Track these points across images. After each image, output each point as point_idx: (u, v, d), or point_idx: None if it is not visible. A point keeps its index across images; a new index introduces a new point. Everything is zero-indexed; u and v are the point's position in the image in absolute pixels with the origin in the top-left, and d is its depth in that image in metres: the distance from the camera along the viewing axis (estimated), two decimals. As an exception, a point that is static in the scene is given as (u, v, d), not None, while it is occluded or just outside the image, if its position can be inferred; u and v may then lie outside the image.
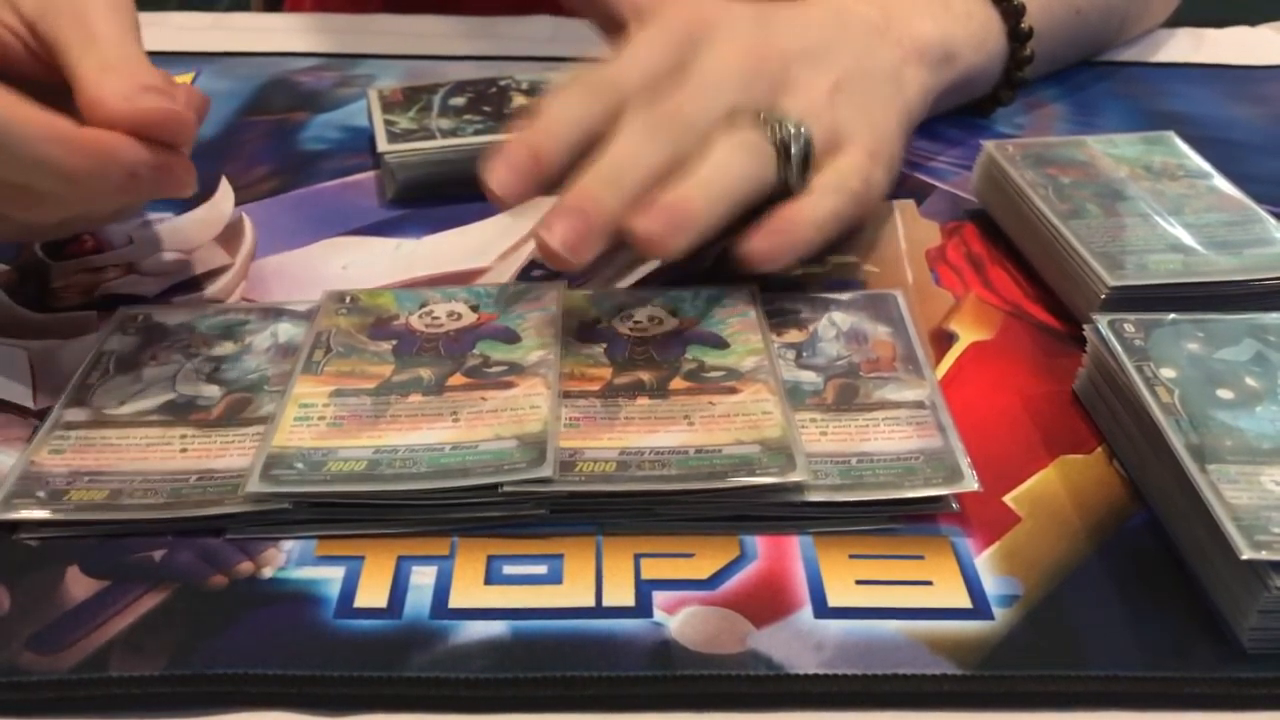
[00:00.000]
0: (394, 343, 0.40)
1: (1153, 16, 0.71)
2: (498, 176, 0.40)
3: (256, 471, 0.34)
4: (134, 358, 0.40)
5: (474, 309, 0.42)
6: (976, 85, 0.57)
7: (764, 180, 0.42)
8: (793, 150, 0.43)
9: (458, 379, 0.38)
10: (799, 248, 0.42)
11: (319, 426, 0.36)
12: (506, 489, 0.34)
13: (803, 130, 0.43)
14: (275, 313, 0.43)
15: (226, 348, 0.41)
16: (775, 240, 0.42)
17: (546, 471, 0.34)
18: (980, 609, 0.32)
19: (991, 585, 0.33)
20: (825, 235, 0.43)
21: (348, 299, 0.43)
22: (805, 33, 0.48)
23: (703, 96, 0.43)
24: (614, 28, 0.52)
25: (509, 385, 0.38)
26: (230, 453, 0.36)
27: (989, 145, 0.50)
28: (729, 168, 0.42)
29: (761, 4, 0.50)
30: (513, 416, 0.36)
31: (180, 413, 0.38)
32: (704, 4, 0.48)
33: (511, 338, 0.40)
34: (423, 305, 0.42)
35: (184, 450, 0.36)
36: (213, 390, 0.39)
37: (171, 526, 0.34)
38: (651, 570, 0.33)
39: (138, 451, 0.36)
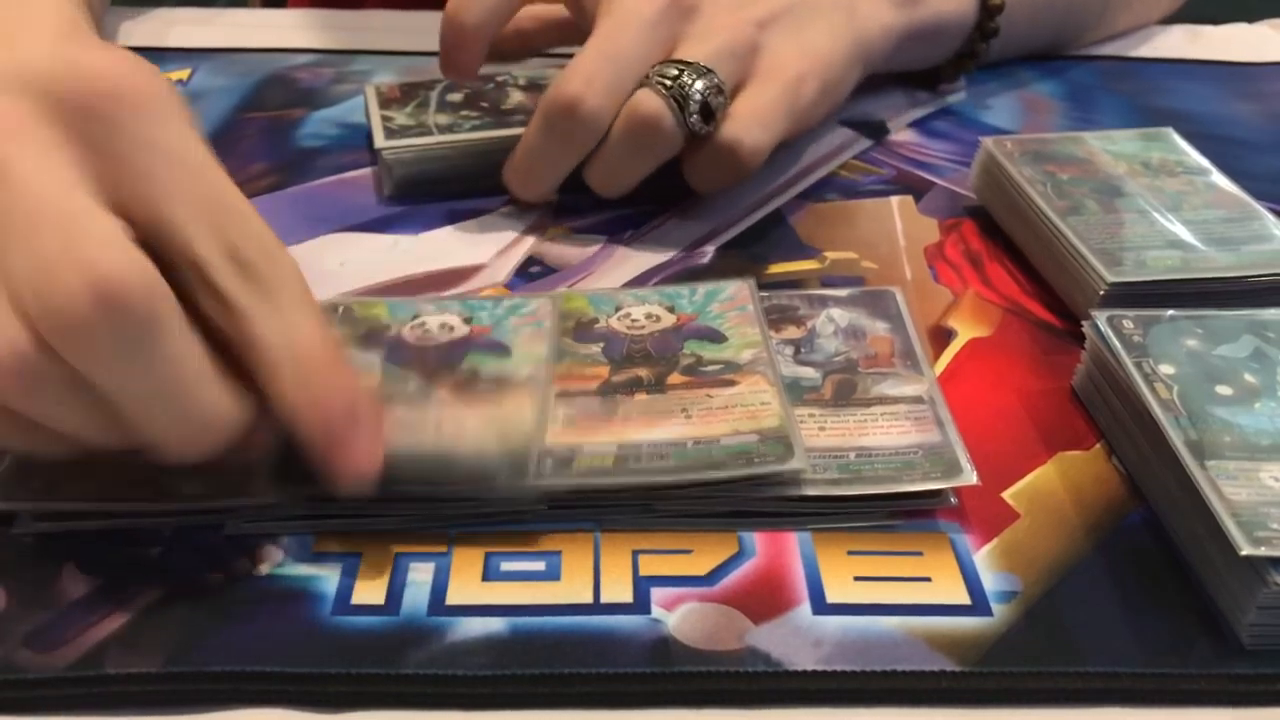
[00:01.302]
0: (382, 354, 0.40)
1: (1152, 10, 0.71)
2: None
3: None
4: None
5: (467, 321, 0.42)
6: (946, 37, 0.58)
7: (669, 140, 0.46)
8: (691, 101, 0.45)
9: (444, 392, 0.38)
10: (732, 178, 0.47)
11: None
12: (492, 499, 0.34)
13: (695, 79, 0.45)
14: None
15: None
16: (715, 170, 0.47)
17: (524, 483, 0.34)
18: (979, 605, 0.32)
19: (990, 582, 0.33)
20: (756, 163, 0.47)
21: (340, 310, 0.42)
22: None
23: (613, 63, 0.46)
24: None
25: (496, 400, 0.38)
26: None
27: (987, 142, 0.50)
28: (625, 148, 0.46)
29: None
30: (497, 430, 0.36)
31: None
32: None
33: (503, 351, 0.40)
34: (415, 316, 0.42)
35: None
36: None
37: (169, 523, 0.34)
38: (650, 567, 0.33)
39: None
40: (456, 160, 0.52)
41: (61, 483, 0.34)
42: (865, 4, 0.52)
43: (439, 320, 0.42)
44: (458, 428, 0.36)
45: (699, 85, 0.45)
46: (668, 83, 0.45)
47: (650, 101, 0.45)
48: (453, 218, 0.50)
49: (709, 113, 0.46)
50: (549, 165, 0.48)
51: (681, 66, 0.46)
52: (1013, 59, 0.65)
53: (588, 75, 0.45)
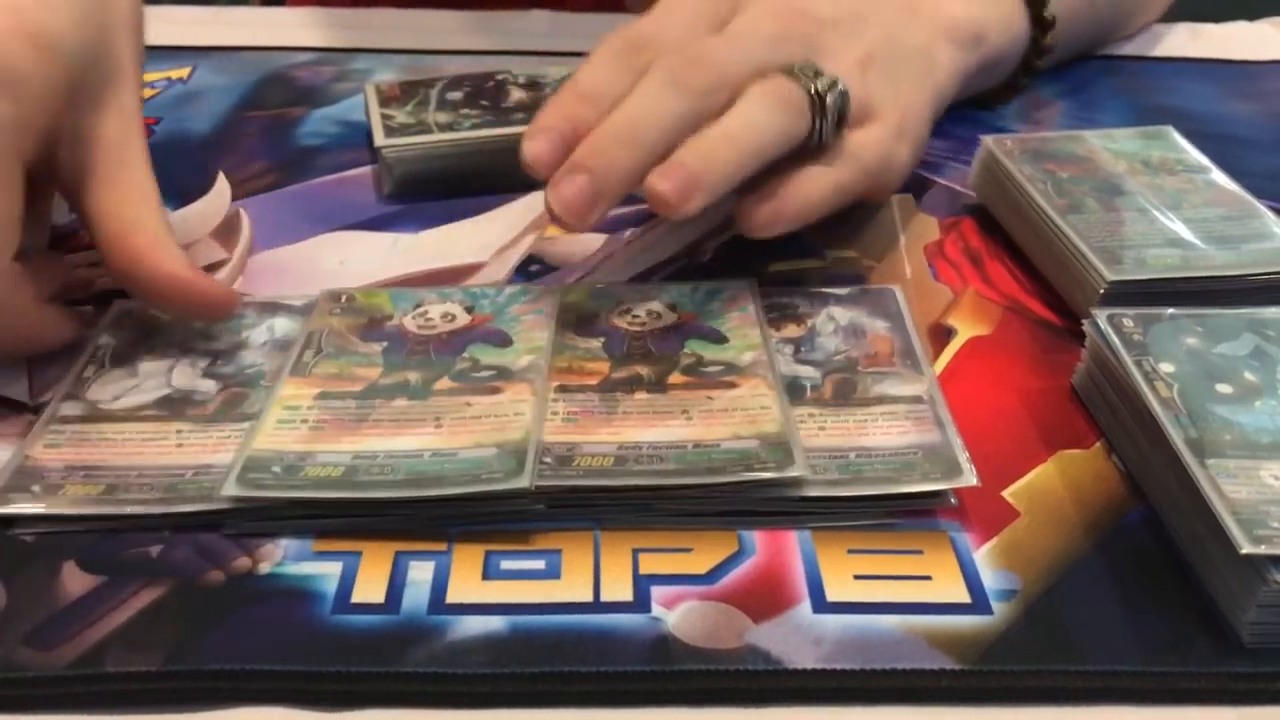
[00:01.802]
0: (384, 345, 0.40)
1: (1152, 11, 0.71)
2: (534, 148, 0.39)
3: (233, 474, 0.34)
4: (129, 352, 0.40)
5: (469, 310, 0.42)
6: (998, 70, 0.57)
7: (795, 134, 0.41)
8: (828, 100, 0.41)
9: (445, 383, 0.38)
10: (795, 218, 0.41)
11: (300, 430, 0.36)
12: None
13: (839, 83, 0.42)
14: (272, 308, 0.43)
15: (222, 342, 0.41)
16: (773, 207, 0.41)
17: (524, 483, 0.33)
18: (979, 604, 0.32)
19: (990, 580, 0.33)
20: (826, 207, 0.43)
21: (343, 298, 0.43)
22: (841, 3, 0.48)
23: (730, 49, 0.42)
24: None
25: (495, 390, 0.38)
26: (226, 448, 0.36)
27: (987, 140, 0.50)
28: (758, 119, 0.40)
29: None
30: (495, 424, 0.36)
31: (176, 407, 0.38)
32: None
33: (504, 340, 0.40)
34: (417, 306, 0.42)
35: (180, 445, 0.36)
36: (209, 385, 0.39)
37: (168, 521, 0.34)
38: (650, 565, 0.33)
39: (133, 446, 0.36)
40: (457, 159, 0.52)
41: (64, 486, 0.34)
42: (939, 49, 0.51)
43: (441, 309, 0.42)
44: (458, 425, 0.36)
45: (837, 90, 0.42)
46: (809, 74, 0.41)
47: (788, 85, 0.41)
48: (453, 216, 0.50)
49: (842, 120, 0.42)
50: (658, 119, 0.40)
51: (818, 70, 0.42)
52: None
53: (710, 45, 0.42)
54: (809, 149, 0.42)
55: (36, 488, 0.34)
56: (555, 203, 0.38)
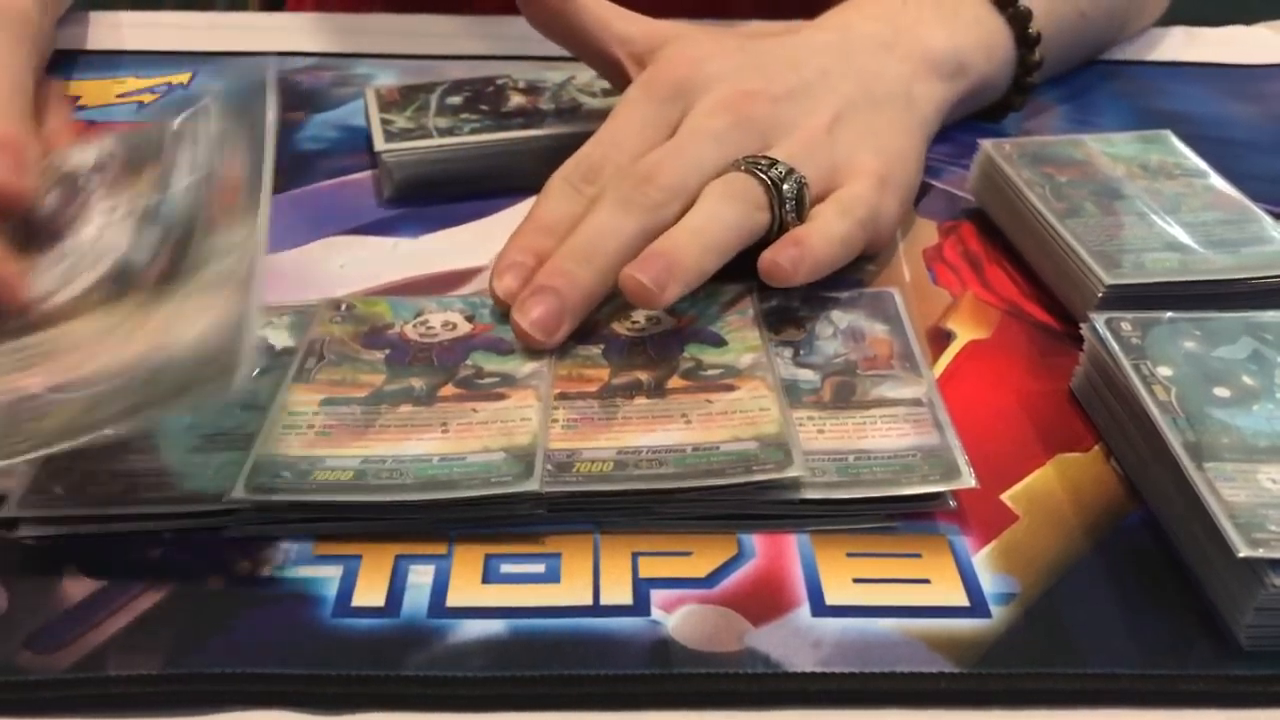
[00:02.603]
0: (387, 352, 0.40)
1: (1148, 15, 0.71)
2: (503, 284, 0.42)
3: (241, 479, 0.34)
4: (51, 228, 0.40)
5: (469, 319, 0.42)
6: (987, 94, 0.57)
7: (758, 223, 0.42)
8: (784, 188, 0.42)
9: (449, 389, 0.38)
10: (817, 265, 0.42)
11: (307, 435, 0.36)
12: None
13: (794, 172, 0.43)
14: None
15: (147, 179, 0.40)
16: (792, 254, 0.41)
17: (533, 485, 0.34)
18: (977, 607, 0.32)
19: (989, 583, 0.33)
20: (838, 256, 0.43)
21: (343, 306, 0.43)
22: (804, 65, 0.48)
23: (679, 159, 0.43)
24: (604, 64, 0.52)
25: (500, 397, 0.38)
26: None
27: (986, 144, 0.50)
28: (719, 214, 0.41)
29: (764, 35, 0.49)
30: (502, 429, 0.36)
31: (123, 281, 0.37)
32: (697, 46, 0.48)
33: (506, 348, 0.40)
34: (418, 314, 0.42)
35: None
36: (154, 234, 0.38)
37: (169, 524, 0.34)
38: (649, 569, 0.33)
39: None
40: (456, 162, 0.52)
41: (86, 487, 0.34)
42: (919, 85, 0.51)
43: (441, 318, 0.42)
44: (464, 430, 0.36)
45: (794, 177, 0.43)
46: (762, 167, 0.43)
47: (744, 180, 0.43)
48: (453, 221, 0.50)
49: (800, 206, 0.43)
50: (614, 237, 0.42)
51: (771, 160, 0.43)
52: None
53: (657, 160, 0.43)
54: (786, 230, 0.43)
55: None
56: (524, 322, 0.40)
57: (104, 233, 0.39)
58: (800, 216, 0.43)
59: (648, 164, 0.43)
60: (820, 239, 0.42)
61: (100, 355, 0.34)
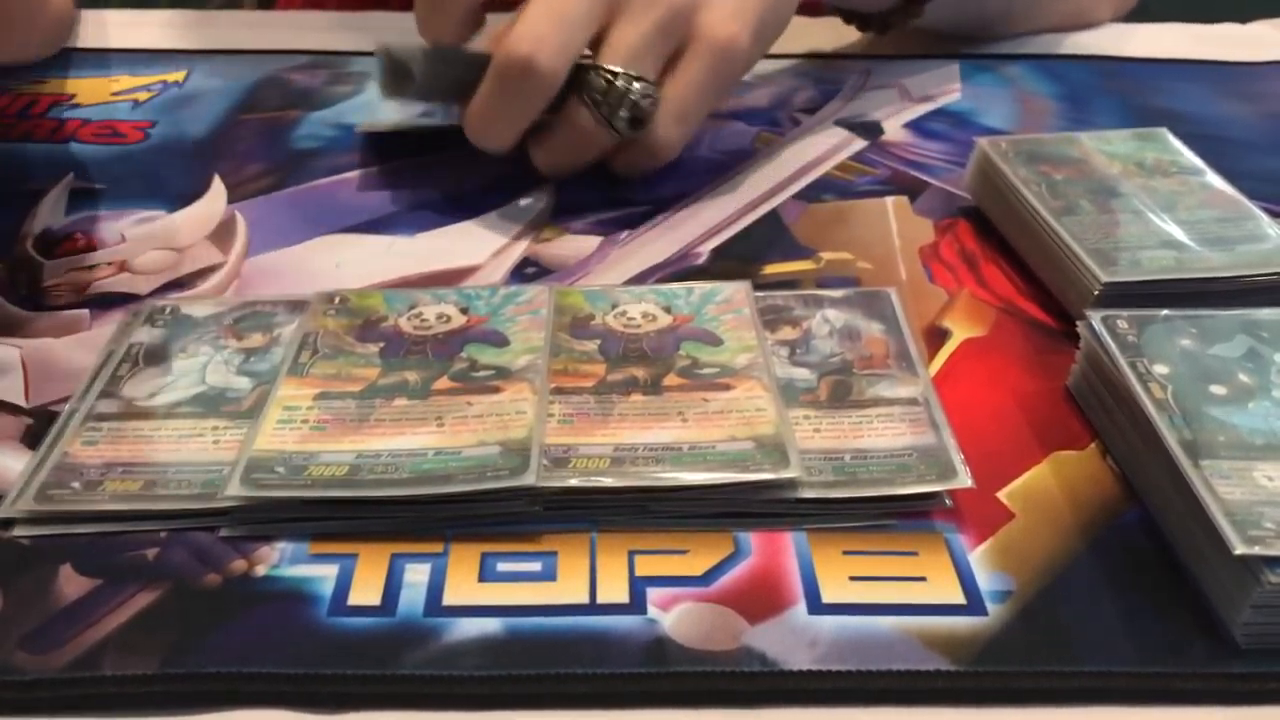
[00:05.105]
0: (381, 345, 0.40)
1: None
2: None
3: (237, 475, 0.34)
4: (162, 350, 0.40)
5: (463, 311, 0.42)
6: None
7: (599, 148, 0.50)
8: (617, 120, 0.48)
9: (444, 383, 0.38)
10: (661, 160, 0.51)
11: (302, 430, 0.36)
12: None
13: (624, 98, 0.48)
14: (304, 306, 0.43)
15: (255, 340, 0.41)
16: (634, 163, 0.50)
17: (530, 479, 0.34)
18: (974, 605, 0.32)
19: (985, 581, 0.33)
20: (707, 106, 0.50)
21: (336, 300, 0.43)
22: None
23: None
24: None
25: (495, 390, 0.38)
26: None
27: (982, 142, 0.50)
28: (562, 152, 0.50)
29: None
30: (498, 422, 0.36)
31: (211, 404, 0.38)
32: None
33: (500, 341, 0.40)
34: (412, 307, 0.42)
35: (216, 442, 0.36)
36: (243, 382, 0.39)
37: (165, 523, 0.34)
38: (645, 567, 0.33)
39: (171, 443, 0.36)
40: (454, 65, 0.51)
41: (104, 483, 0.34)
42: None
43: (435, 310, 0.42)
44: (460, 424, 0.36)
45: (629, 96, 0.48)
46: (598, 97, 0.48)
47: (582, 116, 0.49)
48: (448, 219, 0.50)
49: (639, 121, 0.48)
50: (506, 121, 0.49)
51: (612, 75, 0.47)
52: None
53: (537, 36, 0.46)
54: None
55: (76, 484, 0.34)
56: None
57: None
58: (636, 130, 0.49)
59: (524, 48, 0.46)
60: (656, 157, 0.51)
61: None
